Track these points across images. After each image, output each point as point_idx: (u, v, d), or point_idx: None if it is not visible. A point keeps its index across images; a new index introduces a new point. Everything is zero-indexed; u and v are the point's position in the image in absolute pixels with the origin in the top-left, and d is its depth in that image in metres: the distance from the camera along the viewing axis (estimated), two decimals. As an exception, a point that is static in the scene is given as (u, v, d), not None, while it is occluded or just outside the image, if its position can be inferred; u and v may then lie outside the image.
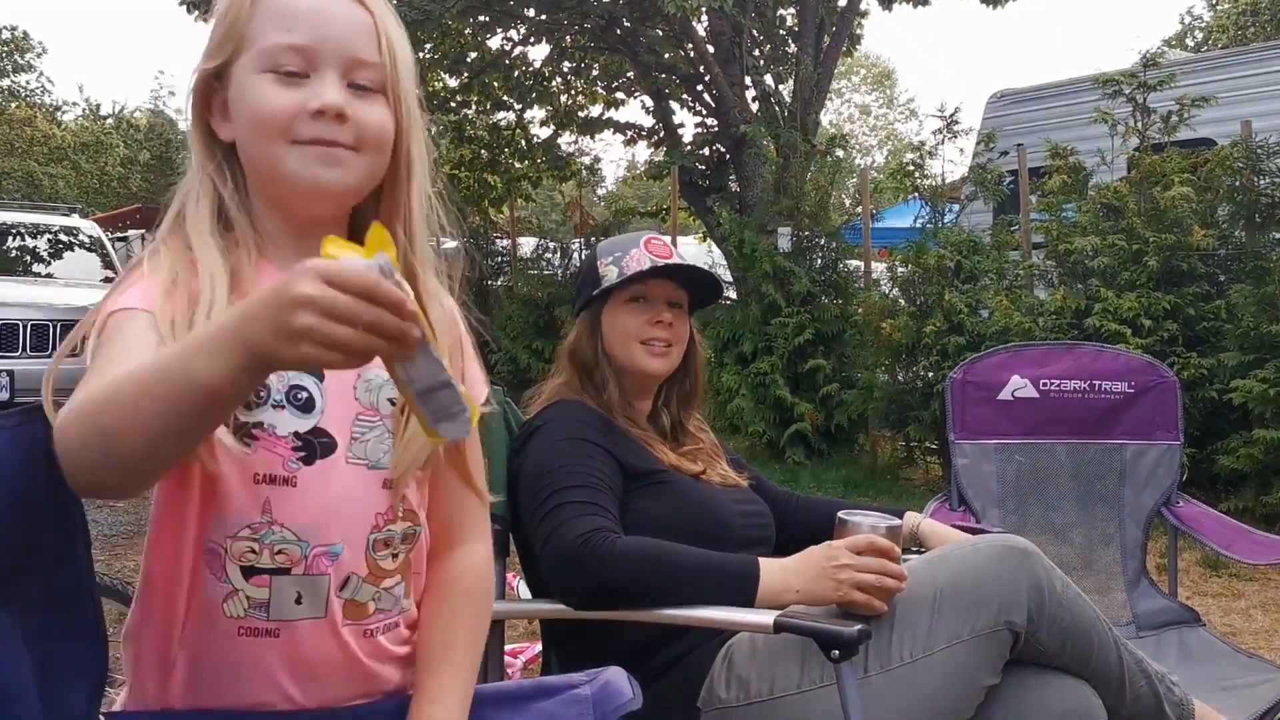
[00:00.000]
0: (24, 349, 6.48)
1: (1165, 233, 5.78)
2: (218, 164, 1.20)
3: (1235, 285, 5.54)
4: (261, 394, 1.11)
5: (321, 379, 1.16)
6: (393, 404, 1.20)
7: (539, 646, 2.51)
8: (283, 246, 1.20)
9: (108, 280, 7.65)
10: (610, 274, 1.87)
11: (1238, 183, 5.70)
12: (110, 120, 25.61)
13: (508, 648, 3.21)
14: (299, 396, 1.14)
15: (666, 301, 1.90)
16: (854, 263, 7.67)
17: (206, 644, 1.14)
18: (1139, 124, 6.11)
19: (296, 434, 1.13)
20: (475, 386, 1.31)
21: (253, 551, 1.12)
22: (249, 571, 1.13)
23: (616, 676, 1.30)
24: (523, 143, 11.44)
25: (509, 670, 3.05)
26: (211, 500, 1.11)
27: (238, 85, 1.17)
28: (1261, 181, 5.63)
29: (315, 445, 1.14)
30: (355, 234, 1.23)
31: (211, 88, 1.20)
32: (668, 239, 1.93)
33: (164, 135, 24.63)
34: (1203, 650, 2.36)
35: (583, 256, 1.84)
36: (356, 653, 1.19)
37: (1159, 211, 5.84)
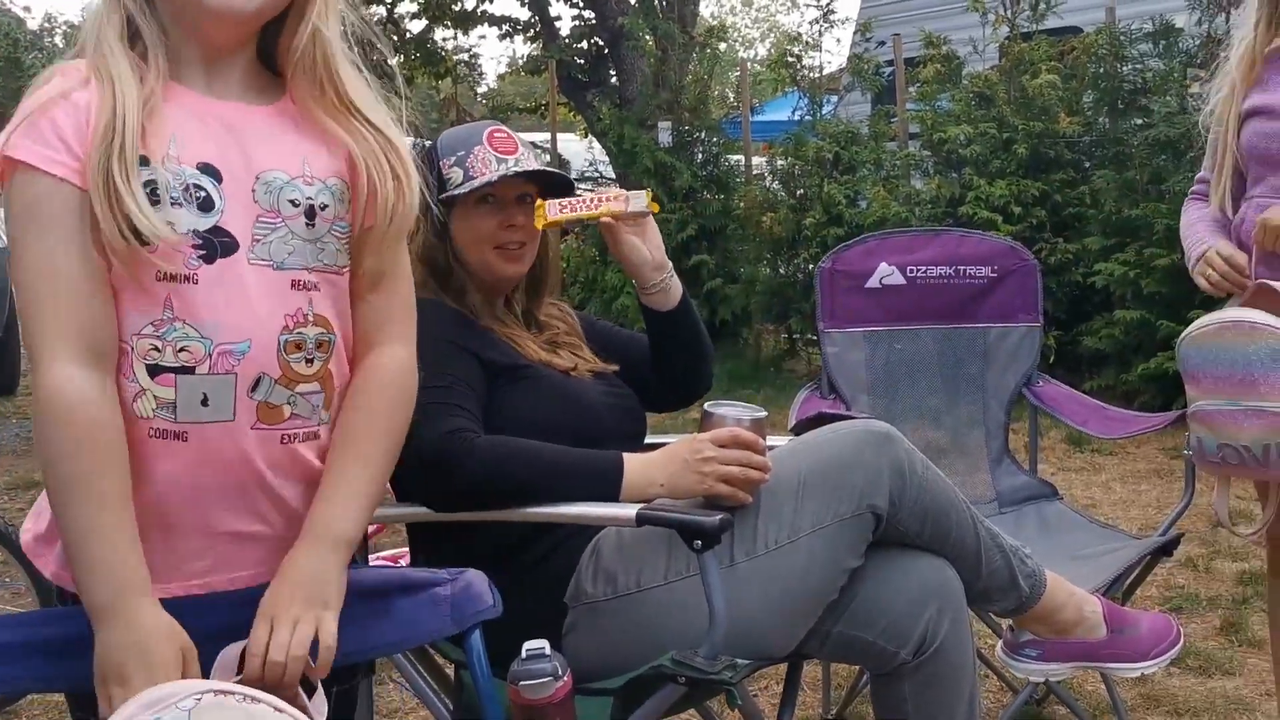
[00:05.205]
0: None
1: (1034, 120, 5.89)
2: None
3: (1099, 171, 5.69)
4: (158, 193, 1.13)
5: (220, 180, 1.18)
6: (294, 205, 1.22)
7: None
8: (192, 67, 1.22)
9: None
10: (455, 176, 1.78)
11: (1102, 70, 5.82)
12: (-51, 19, 23.87)
13: (389, 553, 3.19)
14: (197, 195, 1.16)
15: (516, 199, 1.81)
16: (735, 157, 7.65)
17: None
18: (1009, 12, 6.16)
19: (196, 232, 1.16)
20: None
21: (156, 349, 1.15)
22: (154, 370, 1.15)
23: (478, 581, 1.30)
24: (394, 38, 11.00)
25: (390, 576, 3.03)
26: (117, 301, 1.13)
27: None
28: (1124, 68, 5.75)
29: (215, 244, 1.17)
30: (263, 57, 1.27)
31: None
32: (510, 131, 1.85)
33: (11, 34, 23.08)
34: (1059, 522, 2.47)
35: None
36: (261, 466, 1.20)
37: (1027, 99, 5.94)
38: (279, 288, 1.20)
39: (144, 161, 1.13)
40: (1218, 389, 1.93)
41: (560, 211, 1.78)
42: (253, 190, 1.20)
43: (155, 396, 1.15)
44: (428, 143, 1.88)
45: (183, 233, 1.15)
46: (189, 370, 1.15)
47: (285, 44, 1.25)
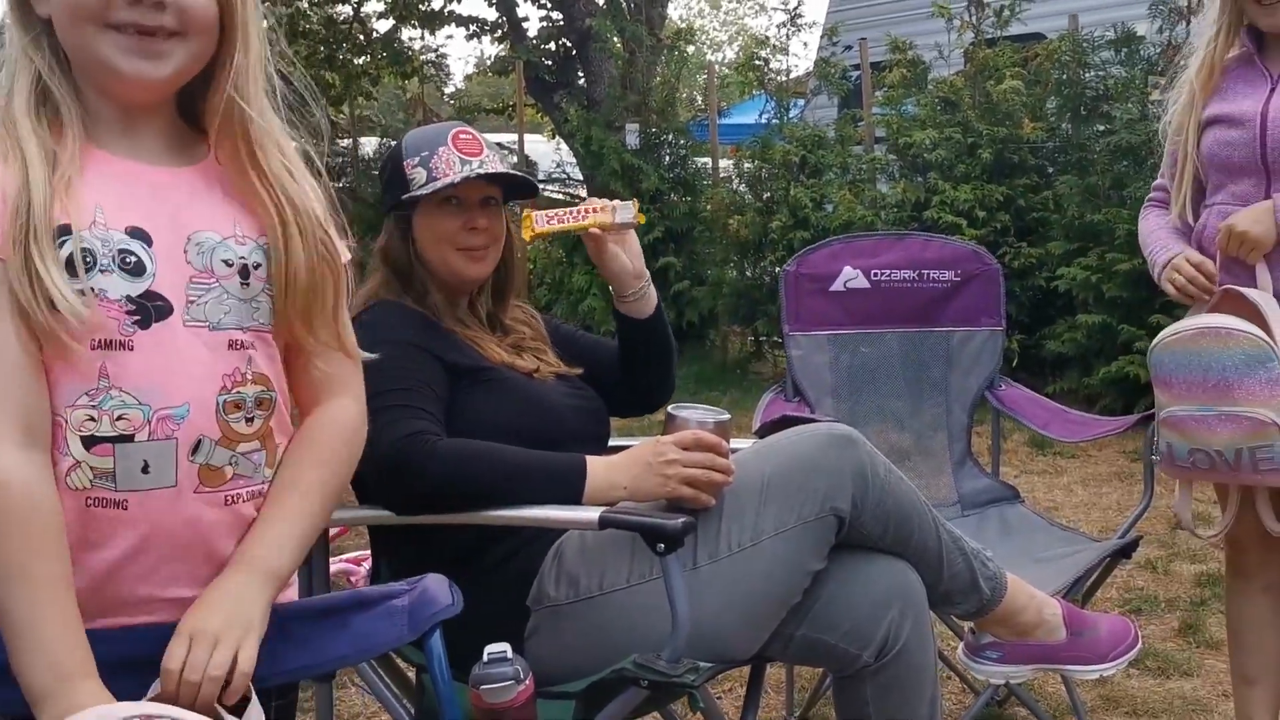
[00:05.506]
0: None
1: (998, 125, 5.93)
2: (35, 38, 1.17)
3: (1061, 176, 5.74)
4: (89, 260, 1.11)
5: (150, 243, 1.16)
6: (228, 265, 1.21)
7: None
8: (109, 129, 1.20)
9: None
10: (419, 176, 1.77)
11: (1064, 76, 5.87)
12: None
13: (351, 555, 3.17)
14: (128, 261, 1.15)
15: (480, 201, 1.81)
16: (702, 159, 7.66)
17: None
18: (973, 18, 6.20)
19: (129, 297, 1.14)
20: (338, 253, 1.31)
21: (91, 419, 1.12)
22: (90, 441, 1.12)
23: (435, 584, 1.28)
24: (360, 37, 10.93)
25: (353, 579, 3.01)
26: (49, 372, 1.11)
27: None
28: (1087, 75, 5.80)
29: (149, 309, 1.15)
30: (183, 110, 1.25)
31: None
32: (475, 132, 1.84)
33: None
34: (1021, 525, 2.48)
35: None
36: (204, 530, 1.18)
37: (992, 105, 5.99)
38: (216, 348, 1.19)
39: (67, 230, 1.11)
40: (1190, 394, 1.94)
41: (548, 223, 1.79)
42: (185, 251, 1.19)
43: (91, 468, 1.12)
44: (394, 142, 1.87)
45: (115, 299, 1.13)
46: (128, 438, 1.13)
47: (209, 104, 1.23)
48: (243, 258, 1.22)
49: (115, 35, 1.14)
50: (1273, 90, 1.97)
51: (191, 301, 1.18)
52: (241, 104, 1.21)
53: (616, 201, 1.82)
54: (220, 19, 1.19)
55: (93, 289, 1.12)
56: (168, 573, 1.17)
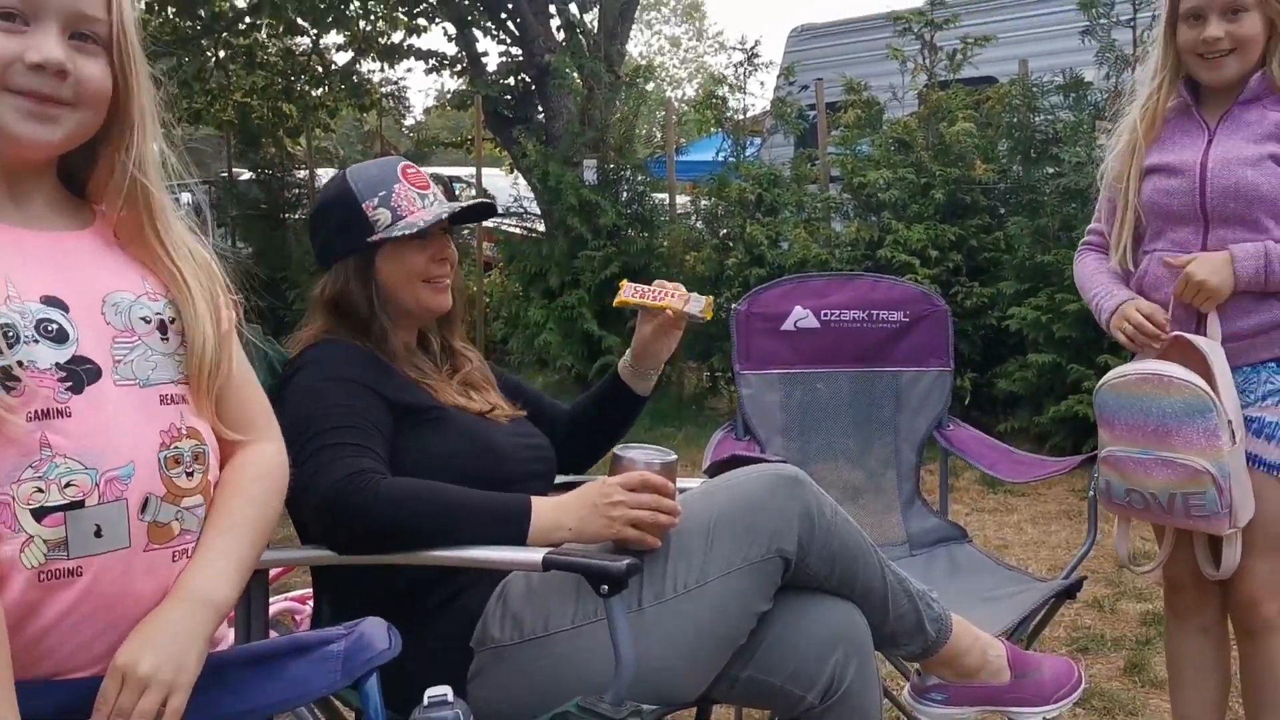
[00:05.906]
0: None
1: (950, 166, 6.02)
2: None
3: (1012, 217, 5.83)
4: (10, 334, 1.10)
5: (67, 309, 1.16)
6: (146, 322, 1.22)
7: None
8: None
9: None
10: (383, 217, 1.78)
11: (1015, 119, 5.97)
12: None
13: (296, 594, 3.11)
14: (49, 329, 1.14)
15: (441, 231, 1.84)
16: (660, 196, 7.70)
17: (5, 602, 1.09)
18: (927, 61, 6.31)
19: (58, 365, 1.14)
20: (227, 320, 1.33)
21: (39, 490, 1.10)
22: (40, 513, 1.10)
23: (372, 628, 1.27)
24: (319, 69, 10.92)
25: (297, 617, 2.96)
26: None
27: None
28: (1037, 118, 5.91)
29: (80, 373, 1.15)
30: (65, 178, 1.27)
31: None
32: (415, 164, 1.87)
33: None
34: (969, 565, 2.50)
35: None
36: (154, 589, 1.17)
37: (945, 146, 6.08)
38: (148, 404, 1.20)
39: None
40: (1131, 437, 1.98)
41: (634, 295, 1.94)
42: (102, 313, 1.20)
43: (44, 540, 1.11)
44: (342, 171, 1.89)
45: (45, 368, 1.13)
46: (79, 504, 1.12)
47: (96, 175, 1.26)
48: (158, 313, 1.24)
49: (12, 98, 1.16)
50: (1210, 142, 2.02)
51: (119, 361, 1.19)
52: (145, 183, 1.24)
53: (694, 294, 1.95)
54: (115, 95, 1.22)
55: (20, 362, 1.11)
56: (117, 636, 1.15)
